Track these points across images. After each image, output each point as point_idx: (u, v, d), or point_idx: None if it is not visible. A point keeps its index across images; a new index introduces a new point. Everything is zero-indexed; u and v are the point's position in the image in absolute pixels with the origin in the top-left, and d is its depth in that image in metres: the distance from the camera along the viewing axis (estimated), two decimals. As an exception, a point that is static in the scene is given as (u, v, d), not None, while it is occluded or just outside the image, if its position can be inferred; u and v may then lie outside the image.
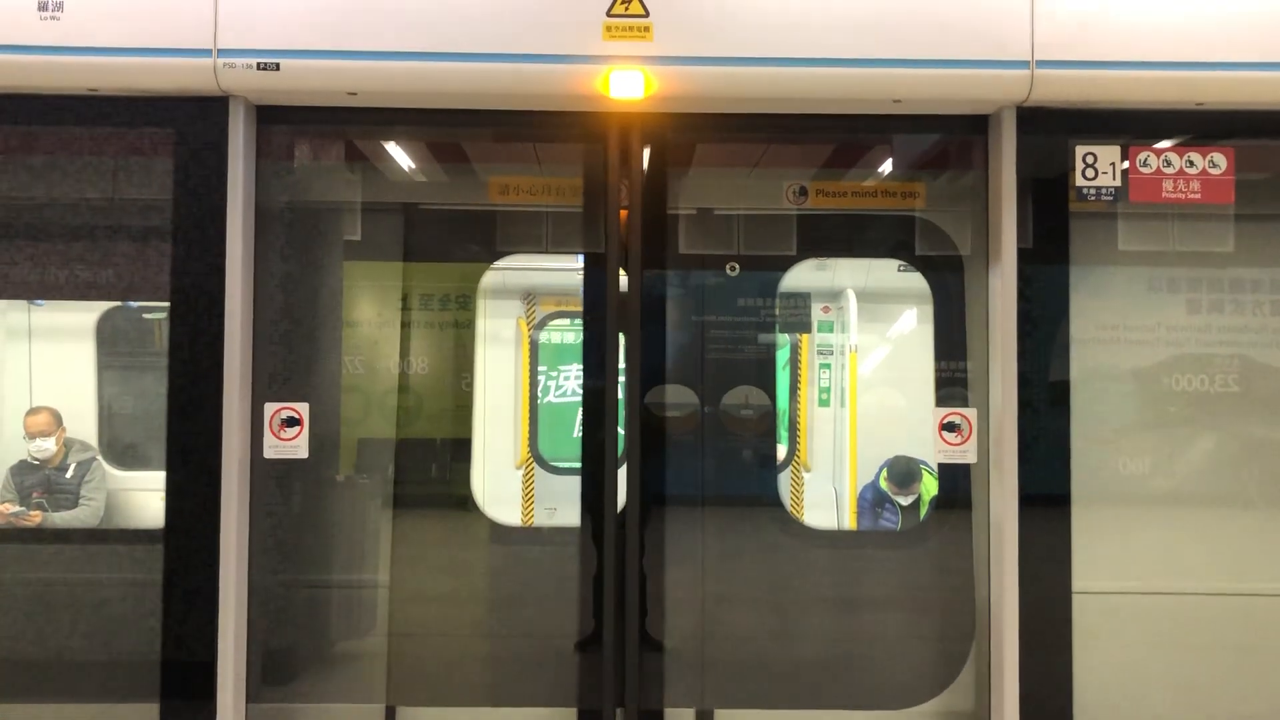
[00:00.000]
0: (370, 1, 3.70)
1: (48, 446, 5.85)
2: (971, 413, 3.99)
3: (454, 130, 4.29)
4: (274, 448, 3.92)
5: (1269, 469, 4.19)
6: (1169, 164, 3.85)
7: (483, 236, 4.90)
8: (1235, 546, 4.12)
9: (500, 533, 5.12)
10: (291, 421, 3.93)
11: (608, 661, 4.01)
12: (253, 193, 3.91)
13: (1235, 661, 4.08)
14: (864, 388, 7.26)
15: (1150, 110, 3.81)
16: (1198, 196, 3.85)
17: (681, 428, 4.37)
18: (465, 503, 5.09)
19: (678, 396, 4.34)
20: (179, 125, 3.82)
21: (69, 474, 5.94)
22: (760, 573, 4.56)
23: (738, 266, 4.60)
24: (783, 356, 6.84)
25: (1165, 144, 3.86)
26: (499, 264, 5.23)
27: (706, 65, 3.71)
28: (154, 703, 3.85)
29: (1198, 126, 3.85)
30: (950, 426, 3.98)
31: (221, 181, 3.81)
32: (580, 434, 4.24)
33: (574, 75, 3.72)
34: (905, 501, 6.24)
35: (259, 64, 3.69)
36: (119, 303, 6.25)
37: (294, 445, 3.93)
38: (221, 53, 3.69)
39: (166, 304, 3.91)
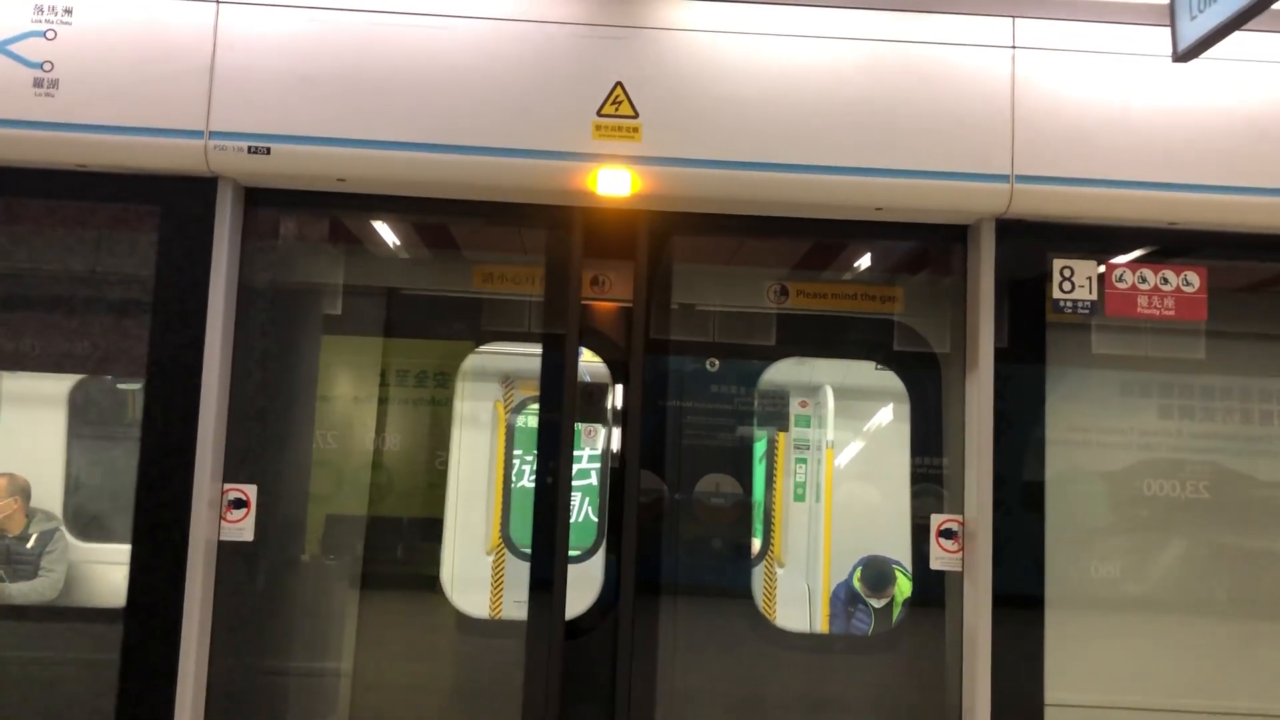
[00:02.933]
0: (363, 91, 3.75)
1: None
2: (969, 519, 3.96)
3: (440, 216, 4.32)
4: (223, 530, 3.87)
5: (1241, 578, 4.19)
6: (1144, 280, 3.93)
7: (467, 321, 4.91)
8: (1207, 660, 4.11)
9: (466, 623, 5.03)
10: (238, 503, 3.89)
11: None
12: (236, 271, 3.91)
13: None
14: (839, 483, 7.26)
15: (1125, 227, 3.91)
16: (1171, 313, 3.92)
17: (653, 515, 4.34)
18: (434, 585, 5.01)
19: (656, 483, 4.32)
20: (166, 202, 3.84)
21: (30, 544, 5.82)
22: (728, 673, 4.49)
23: (717, 362, 4.62)
24: (759, 449, 6.84)
25: (1140, 260, 3.94)
26: (481, 349, 5.21)
27: (693, 167, 3.78)
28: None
29: (1171, 244, 3.94)
30: (948, 533, 3.96)
31: (205, 259, 3.82)
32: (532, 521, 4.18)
33: (562, 172, 3.77)
34: (878, 605, 6.19)
35: (250, 147, 3.73)
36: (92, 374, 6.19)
37: (239, 528, 3.88)
38: (213, 135, 3.72)
39: (142, 378, 3.89)
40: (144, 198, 3.85)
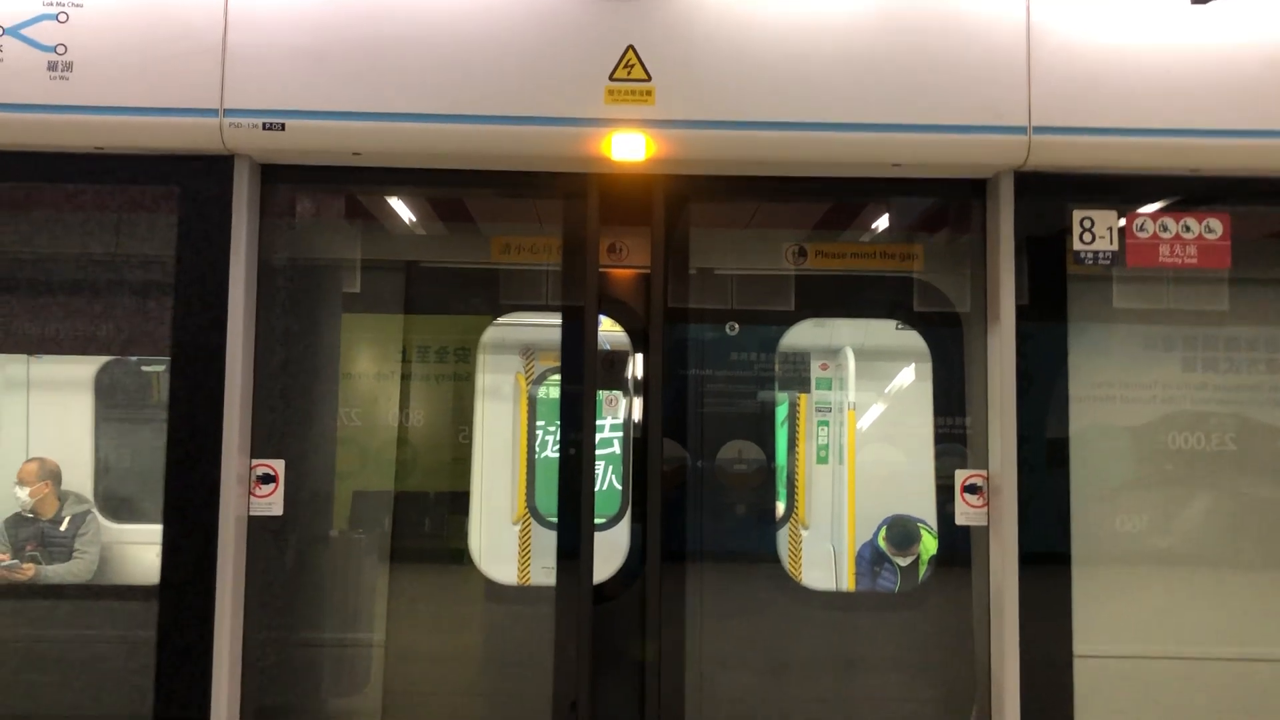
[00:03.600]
0: (376, 64, 3.74)
1: (22, 496, 5.81)
2: (994, 474, 3.96)
3: (456, 189, 4.32)
4: (252, 505, 3.91)
5: (1267, 529, 4.17)
6: (1165, 229, 3.89)
7: (485, 293, 4.92)
8: (1234, 609, 4.10)
9: (496, 590, 5.08)
10: (267, 478, 3.92)
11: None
12: (256, 249, 3.93)
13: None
14: (862, 444, 7.26)
15: (1146, 175, 3.86)
16: (1194, 261, 3.88)
17: (674, 483, 4.36)
18: (462, 557, 5.05)
19: (678, 451, 4.33)
20: (184, 183, 3.85)
21: (63, 526, 5.91)
22: (757, 632, 4.52)
23: (737, 325, 4.61)
24: (781, 413, 6.84)
25: (1161, 208, 3.90)
26: (500, 320, 5.22)
27: (708, 129, 3.76)
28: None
29: (1193, 192, 3.90)
30: (972, 489, 3.96)
31: (225, 238, 3.83)
32: (558, 491, 4.20)
33: (576, 138, 3.76)
34: (904, 563, 6.20)
35: (265, 124, 3.73)
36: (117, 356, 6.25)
37: (268, 502, 3.92)
38: (228, 113, 3.73)
39: (166, 358, 3.92)
40: (161, 178, 3.86)
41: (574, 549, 4.04)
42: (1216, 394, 4.19)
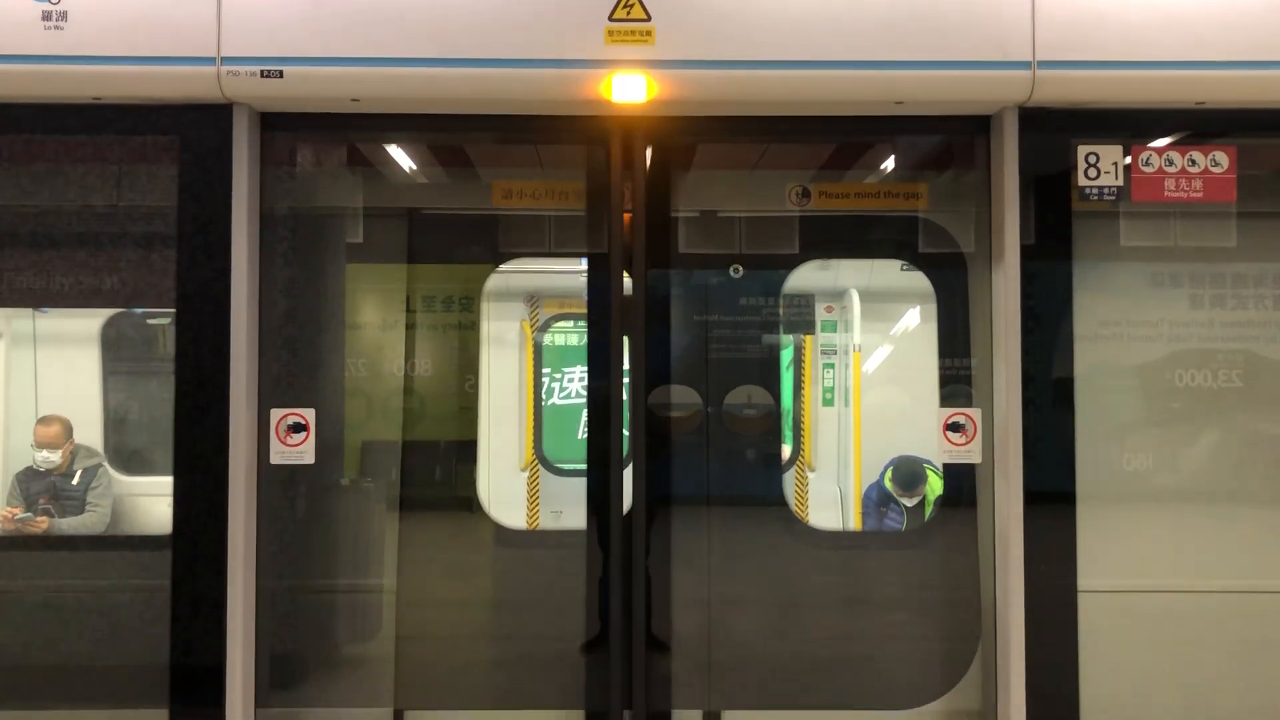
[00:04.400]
0: (372, 8, 3.70)
1: (53, 459, 5.86)
2: (976, 413, 4.00)
3: (457, 134, 4.30)
4: (280, 453, 3.93)
5: (1273, 464, 4.19)
6: (1171, 163, 3.86)
7: (486, 239, 4.91)
8: (1240, 543, 4.13)
9: (507, 536, 5.12)
10: (298, 427, 3.95)
11: (616, 663, 4.02)
12: (257, 198, 3.92)
13: (1241, 658, 4.08)
14: (868, 387, 7.26)
15: (1152, 110, 3.83)
16: (1200, 195, 3.86)
17: (685, 428, 4.38)
18: (471, 505, 5.09)
19: (682, 397, 4.35)
20: (183, 133, 3.84)
21: (75, 480, 5.95)
22: (766, 573, 4.56)
23: (741, 268, 4.60)
24: (786, 356, 6.85)
25: (1167, 143, 3.87)
26: (503, 267, 5.21)
27: (709, 69, 3.72)
28: (163, 708, 3.85)
29: (1199, 125, 3.86)
30: (955, 427, 3.99)
31: (226, 188, 3.82)
32: (586, 436, 4.23)
33: (576, 80, 3.73)
34: (910, 504, 6.24)
35: (262, 71, 3.70)
36: (123, 309, 6.26)
37: (300, 451, 3.95)
38: (225, 60, 3.70)
39: (171, 310, 3.93)
40: (160, 128, 3.85)
41: (605, 492, 4.06)
42: (1222, 331, 4.17)
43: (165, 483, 3.96)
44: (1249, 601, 4.09)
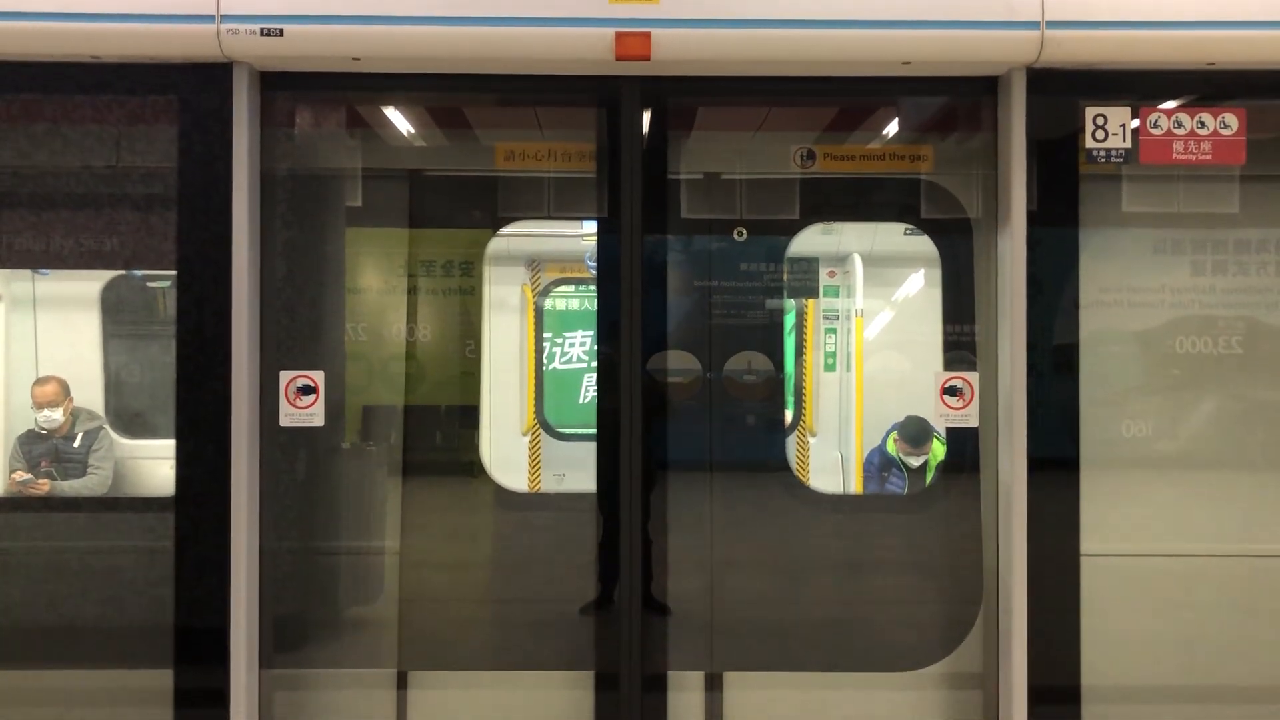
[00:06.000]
0: (374, -35, 3.66)
1: (55, 417, 5.86)
2: (973, 377, 3.99)
3: (460, 95, 4.25)
4: (290, 415, 3.93)
5: (1275, 429, 4.18)
6: (1179, 125, 3.82)
7: (488, 202, 4.87)
8: (1241, 508, 4.13)
9: (509, 498, 5.13)
10: (307, 389, 3.94)
11: (626, 625, 4.04)
12: (258, 160, 3.88)
13: (1242, 622, 4.10)
14: (869, 352, 7.25)
15: (1161, 70, 3.78)
16: (1209, 158, 3.82)
17: (687, 394, 4.37)
18: (474, 469, 5.10)
19: (682, 363, 4.33)
20: (182, 92, 3.80)
21: (76, 443, 5.96)
22: (768, 537, 4.57)
23: (745, 231, 4.57)
24: (788, 321, 6.83)
25: (1176, 105, 3.83)
26: (504, 231, 5.17)
27: (714, 28, 3.68)
28: (167, 669, 3.87)
29: (1209, 87, 3.82)
30: (952, 390, 3.98)
31: (226, 149, 3.79)
32: (596, 400, 4.21)
33: (581, 38, 3.69)
34: (916, 462, 6.24)
35: (262, 29, 3.66)
36: (123, 271, 6.24)
37: (310, 413, 3.94)
38: (225, 18, 3.65)
39: (171, 272, 3.91)
40: (160, 88, 3.81)
41: (612, 457, 4.06)
42: (1224, 297, 4.16)
43: (166, 446, 3.96)
44: (1250, 566, 4.10)
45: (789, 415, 6.80)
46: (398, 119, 4.57)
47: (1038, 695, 3.83)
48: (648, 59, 3.70)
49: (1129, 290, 4.11)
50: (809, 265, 5.08)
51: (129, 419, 6.53)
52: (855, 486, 7.06)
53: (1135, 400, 4.12)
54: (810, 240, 4.91)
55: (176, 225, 3.83)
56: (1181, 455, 4.17)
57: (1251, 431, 4.21)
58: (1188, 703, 4.08)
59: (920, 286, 6.88)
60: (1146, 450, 4.10)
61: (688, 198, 4.46)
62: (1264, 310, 4.16)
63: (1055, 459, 3.88)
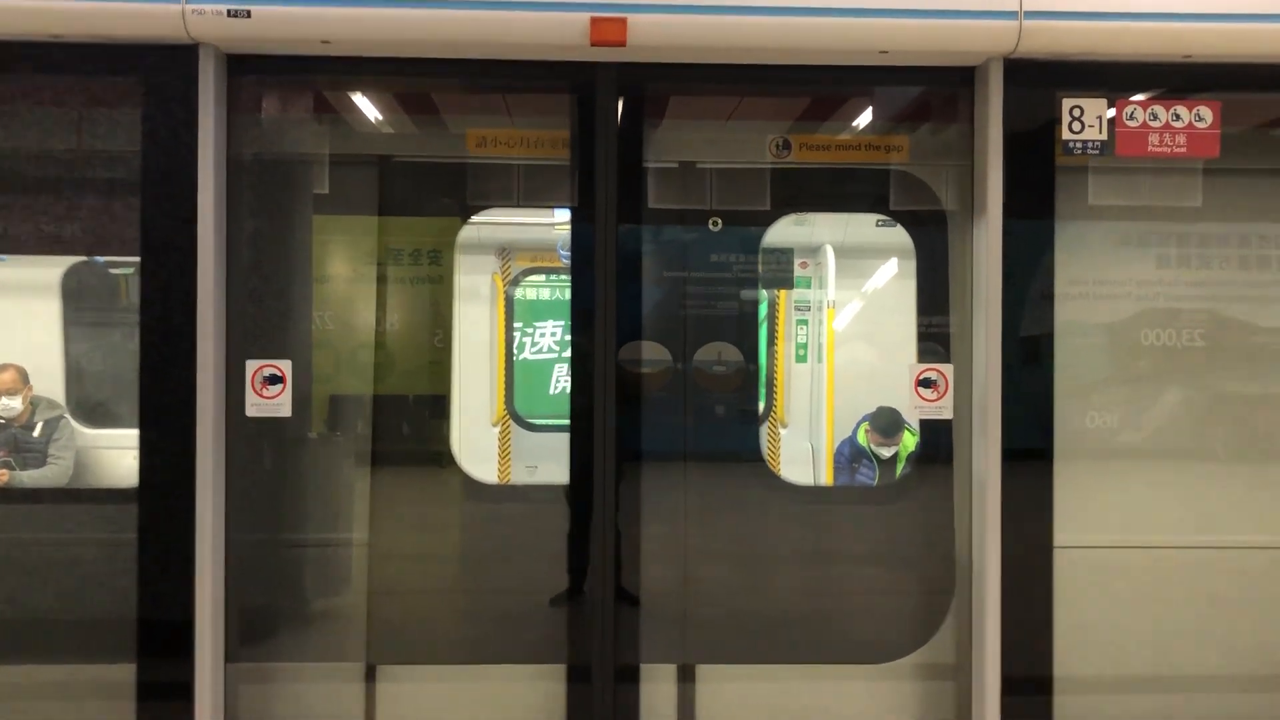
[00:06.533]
0: (345, -54, 3.59)
1: (14, 405, 5.74)
2: (948, 369, 3.99)
3: (432, 80, 4.19)
4: (256, 406, 3.86)
5: (1245, 421, 4.21)
6: (1155, 117, 3.83)
7: (459, 189, 4.81)
8: (1212, 499, 4.16)
9: (479, 490, 5.08)
10: (274, 379, 3.87)
11: (599, 617, 4.01)
12: (224, 145, 3.81)
13: (1213, 613, 4.13)
14: (841, 343, 7.25)
15: (1138, 62, 3.78)
16: (1184, 150, 3.84)
17: (660, 384, 4.34)
18: (443, 460, 5.04)
19: (653, 353, 4.30)
20: (146, 74, 3.71)
21: (36, 432, 5.84)
22: (742, 528, 4.56)
23: (720, 221, 4.54)
24: (760, 312, 6.81)
25: (1152, 96, 3.84)
26: (475, 218, 5.10)
27: (691, 13, 3.64)
28: (130, 663, 3.80)
29: (1184, 79, 3.83)
30: (926, 383, 3.98)
31: (191, 133, 3.71)
32: (570, 390, 4.16)
33: (556, 23, 3.64)
34: (887, 453, 6.25)
35: (229, 10, 3.58)
36: (85, 258, 6.12)
37: (277, 403, 3.88)
38: (190, -1, 3.57)
39: (135, 259, 3.83)
40: (123, 69, 3.72)
41: (586, 449, 4.02)
42: (1193, 290, 4.18)
43: (128, 435, 3.88)
44: (1221, 557, 4.13)
45: (761, 406, 6.79)
46: (368, 104, 4.50)
47: (1010, 686, 3.83)
48: (623, 44, 3.66)
49: (1101, 283, 4.12)
50: (784, 256, 5.05)
51: (90, 408, 6.41)
52: (826, 477, 7.06)
53: (1111, 391, 4.14)
54: (783, 231, 4.88)
55: (140, 211, 3.75)
56: (1153, 446, 4.19)
57: (1221, 423, 4.23)
58: (1158, 692, 4.11)
59: (892, 278, 6.88)
60: (1119, 441, 4.12)
61: (663, 186, 4.42)
62: (1231, 303, 4.19)
63: (1029, 450, 3.88)
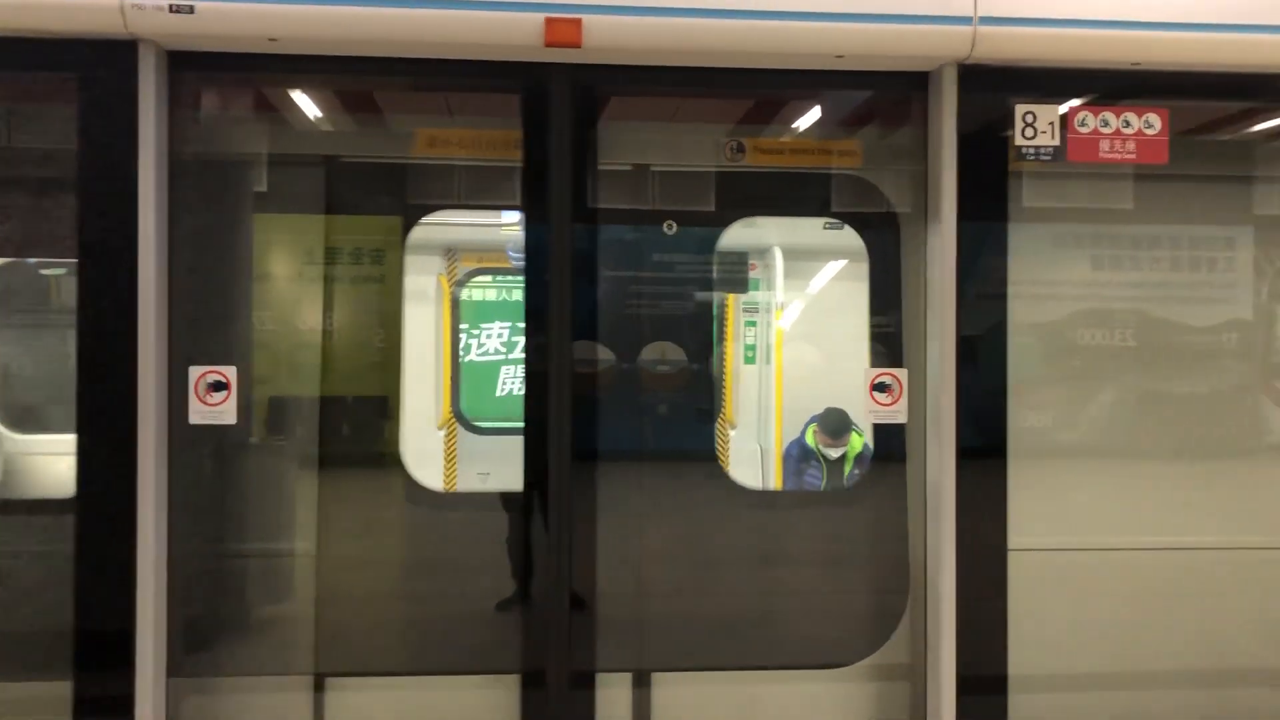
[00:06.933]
0: (294, -60, 3.50)
1: None
2: (902, 373, 4.00)
3: (381, 80, 4.09)
4: (200, 413, 3.76)
5: (1197, 421, 4.30)
6: (1106, 124, 3.88)
7: (409, 190, 4.73)
8: (1164, 500, 4.24)
9: (426, 495, 5.00)
10: (219, 386, 3.77)
11: (553, 623, 3.96)
12: (165, 144, 3.70)
13: (1165, 613, 4.20)
14: (789, 345, 7.28)
15: (1089, 69, 3.83)
16: (1133, 156, 3.90)
17: (613, 386, 4.31)
18: (389, 463, 4.95)
19: (603, 354, 4.27)
20: (83, 71, 3.59)
21: (-39, 439, 5.65)
22: (697, 531, 4.55)
23: (674, 224, 4.51)
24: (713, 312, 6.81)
25: (1102, 103, 3.89)
26: (426, 219, 5.03)
27: (648, 15, 3.61)
28: (66, 679, 3.68)
29: (1134, 86, 3.89)
30: (881, 387, 3.99)
31: (131, 131, 3.60)
32: (524, 393, 4.11)
33: (510, 23, 3.59)
34: (835, 454, 6.28)
35: (171, 5, 3.48)
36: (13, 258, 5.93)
37: (221, 410, 3.77)
38: (130, -8, 3.46)
39: (70, 260, 3.71)
40: (59, 65, 3.59)
41: (543, 457, 3.96)
42: (1132, 291, 4.26)
43: (59, 441, 3.76)
44: (1172, 558, 4.21)
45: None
46: (314, 103, 4.40)
47: (966, 685, 3.86)
48: (578, 46, 3.62)
49: (1060, 284, 4.19)
50: (738, 258, 5.06)
51: (19, 413, 6.21)
52: (775, 479, 7.08)
53: (1065, 393, 4.20)
54: (734, 233, 4.88)
55: (78, 211, 3.62)
56: (1105, 446, 4.27)
57: (1173, 424, 4.30)
58: (1112, 690, 4.17)
59: (841, 280, 6.92)
60: (1073, 441, 4.20)
61: (617, 189, 4.39)
62: (1160, 304, 4.27)
63: (983, 452, 3.91)
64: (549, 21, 3.58)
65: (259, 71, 3.93)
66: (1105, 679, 4.16)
